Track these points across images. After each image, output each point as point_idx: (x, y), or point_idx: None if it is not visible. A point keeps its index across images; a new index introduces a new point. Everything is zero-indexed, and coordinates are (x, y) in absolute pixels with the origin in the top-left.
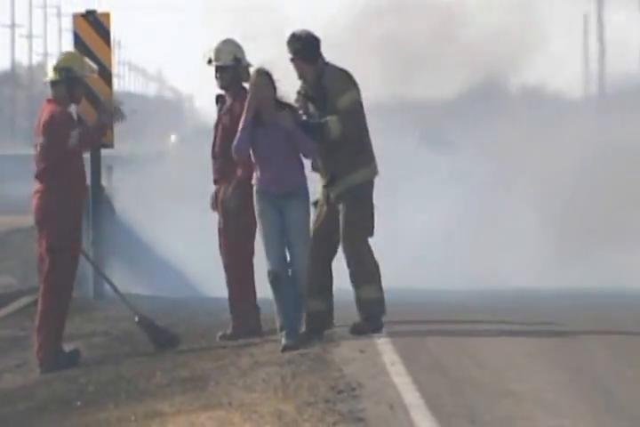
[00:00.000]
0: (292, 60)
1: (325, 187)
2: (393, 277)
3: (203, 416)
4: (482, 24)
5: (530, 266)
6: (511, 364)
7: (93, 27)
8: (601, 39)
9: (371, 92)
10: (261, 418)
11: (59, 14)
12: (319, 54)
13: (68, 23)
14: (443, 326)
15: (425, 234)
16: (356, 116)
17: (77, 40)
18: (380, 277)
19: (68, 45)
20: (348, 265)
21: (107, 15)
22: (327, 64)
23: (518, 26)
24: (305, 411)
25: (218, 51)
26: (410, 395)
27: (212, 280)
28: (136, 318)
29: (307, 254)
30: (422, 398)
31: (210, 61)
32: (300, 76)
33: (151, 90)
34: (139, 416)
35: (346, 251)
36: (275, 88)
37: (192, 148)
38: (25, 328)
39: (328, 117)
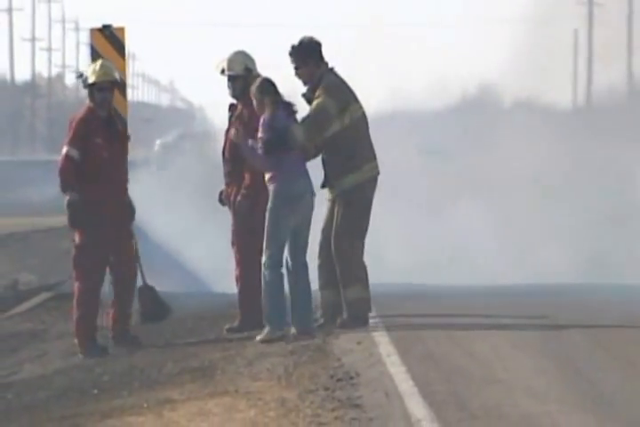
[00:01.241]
0: (296, 68)
1: (326, 187)
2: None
3: (210, 403)
4: (475, 36)
5: (529, 264)
6: (500, 354)
7: (109, 40)
8: (590, 53)
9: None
10: (265, 405)
11: (77, 29)
12: (321, 58)
13: (85, 37)
14: (437, 320)
15: (433, 237)
16: (318, 122)
17: (94, 53)
18: (366, 277)
19: (85, 58)
20: (337, 265)
21: (122, 29)
22: (330, 71)
23: (513, 39)
24: (306, 398)
25: (230, 61)
26: (404, 384)
27: (221, 276)
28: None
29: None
30: (416, 387)
31: (223, 71)
32: (305, 83)
33: (164, 100)
34: (151, 403)
35: (335, 252)
36: (278, 93)
37: (175, 152)
38: (44, 322)
39: (294, 125)
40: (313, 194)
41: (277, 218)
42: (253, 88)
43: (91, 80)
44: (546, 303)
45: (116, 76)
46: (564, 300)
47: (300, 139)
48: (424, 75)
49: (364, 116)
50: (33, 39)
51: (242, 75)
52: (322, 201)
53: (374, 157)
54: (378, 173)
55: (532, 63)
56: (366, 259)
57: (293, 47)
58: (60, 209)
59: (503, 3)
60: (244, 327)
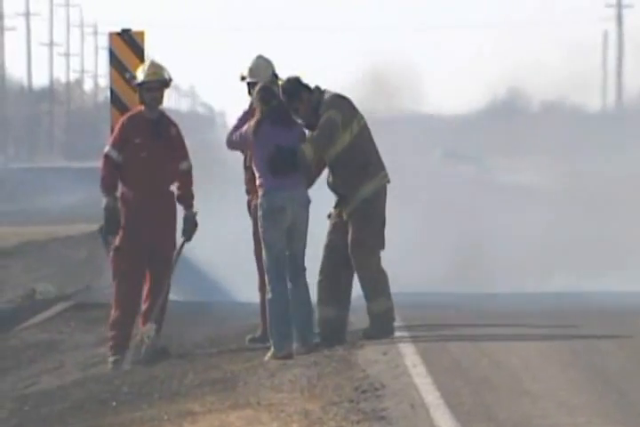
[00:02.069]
0: (295, 110)
1: (337, 206)
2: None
3: (232, 415)
4: (503, 39)
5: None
6: (528, 365)
7: (128, 45)
8: (620, 55)
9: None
10: (288, 417)
11: (95, 33)
12: (308, 88)
13: (104, 41)
14: (462, 329)
15: (452, 243)
16: (326, 134)
17: (113, 57)
18: (387, 286)
19: (103, 63)
20: (359, 278)
21: (141, 33)
22: (323, 92)
23: (541, 41)
24: (330, 410)
25: (252, 68)
26: (430, 395)
27: (243, 286)
28: None
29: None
30: (442, 398)
31: (243, 78)
32: (301, 119)
33: (184, 105)
34: (171, 415)
35: (356, 265)
36: (278, 100)
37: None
38: (62, 332)
39: (302, 144)
40: (301, 205)
41: (265, 233)
42: (254, 94)
43: (139, 80)
44: (575, 312)
45: (166, 75)
46: (593, 308)
47: (311, 156)
48: (453, 77)
49: (367, 125)
50: (51, 44)
51: (268, 81)
52: (316, 216)
53: (384, 167)
54: (389, 181)
55: (561, 65)
56: (392, 266)
57: (283, 94)
58: (78, 217)
59: (532, 5)
60: (266, 338)
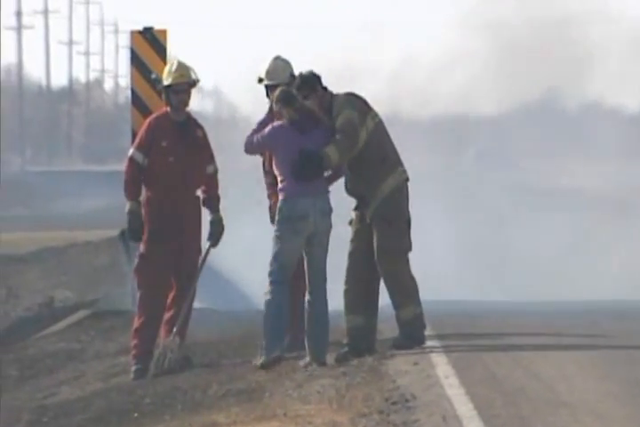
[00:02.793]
0: (305, 99)
1: (357, 208)
2: (454, 288)
3: None
4: (542, 39)
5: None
6: (564, 375)
7: (150, 43)
8: None
9: (426, 109)
10: None
11: (116, 31)
12: (317, 86)
13: (124, 40)
14: (495, 338)
15: (484, 247)
16: (349, 135)
17: (134, 57)
18: (417, 292)
19: (124, 62)
20: (386, 285)
21: (163, 32)
22: (335, 95)
23: (579, 41)
24: (359, 422)
25: (270, 70)
26: (463, 406)
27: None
28: None
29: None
30: (475, 410)
31: (261, 80)
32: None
33: (208, 106)
34: None
35: (382, 272)
36: (298, 103)
37: None
38: (81, 341)
39: (326, 148)
40: (324, 213)
41: (279, 238)
42: (274, 98)
43: (166, 82)
44: (613, 321)
45: (193, 76)
46: (628, 316)
47: (337, 159)
48: (489, 78)
49: (381, 122)
50: (70, 43)
51: (287, 83)
52: (338, 224)
53: (402, 162)
54: (408, 179)
55: (599, 66)
56: (425, 273)
57: (298, 81)
58: (98, 223)
59: (569, 4)
60: (295, 346)
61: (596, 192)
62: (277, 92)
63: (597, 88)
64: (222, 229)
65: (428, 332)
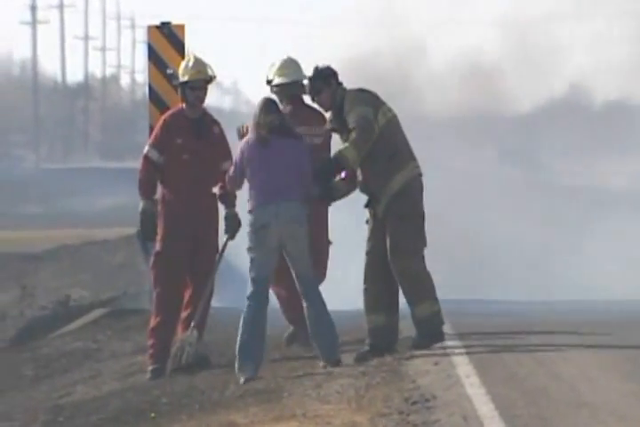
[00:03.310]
0: (318, 93)
1: (368, 205)
2: (472, 289)
3: None
4: (567, 36)
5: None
6: (586, 375)
7: (168, 39)
8: None
9: (448, 106)
10: None
11: (133, 26)
12: (331, 81)
13: (141, 35)
14: (516, 338)
15: (505, 246)
16: (365, 132)
17: (151, 52)
18: (433, 288)
19: (141, 58)
20: (400, 283)
21: (181, 27)
22: (348, 91)
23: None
24: (379, 422)
25: (279, 70)
26: (484, 406)
27: None
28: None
29: None
30: (496, 410)
31: (269, 82)
32: (328, 108)
33: (226, 102)
34: None
35: (395, 270)
36: (279, 114)
37: None
38: (97, 341)
39: (339, 148)
40: (290, 220)
41: (249, 250)
42: (257, 107)
43: (183, 78)
44: (632, 320)
45: (210, 72)
46: None
47: (355, 157)
48: (513, 74)
49: (395, 116)
50: (86, 38)
51: (297, 81)
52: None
53: (415, 158)
54: (421, 174)
55: (625, 62)
56: (441, 271)
57: (313, 73)
58: (115, 221)
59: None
60: (292, 338)
61: (623, 189)
62: (261, 100)
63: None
64: (238, 223)
65: (448, 331)
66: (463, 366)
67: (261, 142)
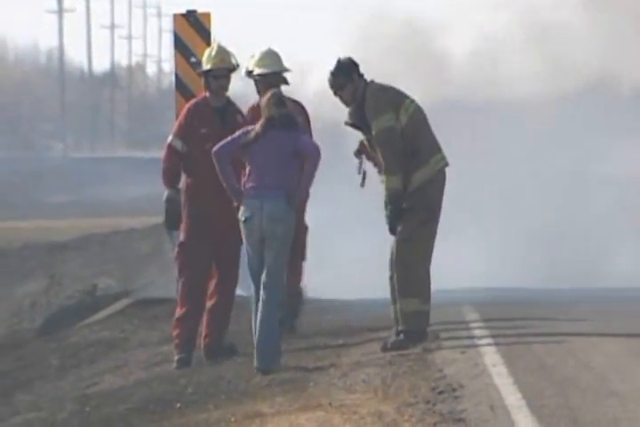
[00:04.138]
0: (340, 89)
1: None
2: (495, 276)
3: (302, 417)
4: (594, 21)
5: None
6: (616, 365)
7: (194, 27)
8: None
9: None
10: (361, 419)
11: (159, 15)
12: (354, 75)
13: (168, 23)
14: (544, 327)
15: (530, 234)
16: (389, 146)
17: (177, 40)
18: (428, 290)
19: (167, 46)
20: (395, 273)
21: (207, 15)
22: (369, 84)
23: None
24: (405, 412)
25: (265, 58)
26: (511, 396)
27: (314, 281)
28: None
29: None
30: (524, 399)
31: (250, 73)
32: (349, 103)
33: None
34: (238, 417)
35: (395, 260)
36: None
37: None
38: (124, 330)
39: (385, 179)
40: (273, 219)
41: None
42: (265, 99)
43: (206, 67)
44: None
45: (233, 61)
46: None
47: (397, 183)
48: (543, 61)
49: (419, 109)
50: (112, 26)
51: (276, 72)
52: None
53: (440, 149)
54: (446, 165)
55: None
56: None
57: (335, 67)
58: (142, 210)
59: None
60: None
61: None
62: (269, 94)
63: None
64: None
65: (476, 319)
66: (490, 355)
67: (254, 139)
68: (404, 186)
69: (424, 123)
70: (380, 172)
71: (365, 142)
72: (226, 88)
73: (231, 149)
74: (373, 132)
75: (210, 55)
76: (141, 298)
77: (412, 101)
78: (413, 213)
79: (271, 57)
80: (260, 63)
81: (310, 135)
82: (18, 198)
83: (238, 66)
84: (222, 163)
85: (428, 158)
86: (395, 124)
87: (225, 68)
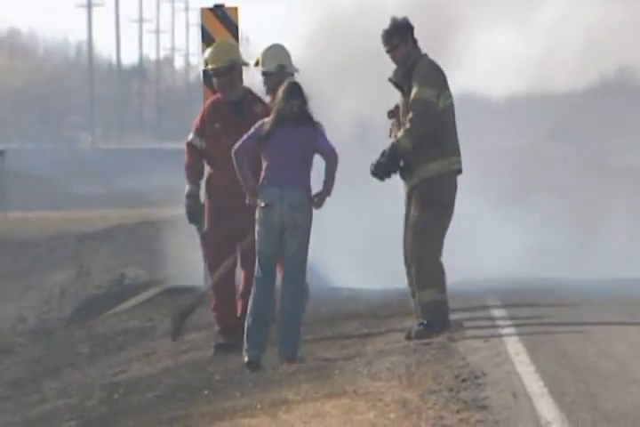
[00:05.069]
0: (394, 48)
1: (402, 177)
2: (513, 265)
3: (328, 404)
4: (614, 12)
5: None
6: (636, 353)
7: (221, 21)
8: None
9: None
10: (386, 406)
11: (186, 9)
12: (408, 37)
13: (195, 17)
14: (566, 315)
15: (551, 222)
16: (424, 113)
17: (205, 35)
18: (443, 280)
19: (195, 40)
20: (412, 266)
21: (235, 9)
22: (423, 55)
23: None
24: (429, 399)
25: (264, 57)
26: (533, 384)
27: (339, 270)
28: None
29: None
30: (546, 387)
31: (257, 64)
32: (400, 64)
33: None
34: (264, 404)
35: (409, 252)
36: (303, 100)
37: None
38: (152, 319)
39: (394, 139)
40: (293, 207)
41: (256, 227)
42: (280, 91)
43: (206, 67)
44: None
45: (230, 57)
46: None
47: (408, 145)
48: (561, 55)
49: (453, 105)
50: (140, 20)
51: (274, 72)
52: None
53: (459, 153)
54: (461, 170)
55: None
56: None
57: (391, 26)
58: (170, 200)
59: None
60: None
61: None
62: (286, 84)
63: None
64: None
65: (499, 308)
66: (513, 344)
67: (266, 135)
68: (416, 171)
69: (453, 120)
70: (393, 136)
71: (400, 106)
72: (229, 85)
73: (249, 145)
74: (412, 98)
75: (206, 55)
76: (169, 287)
77: (450, 96)
78: (430, 207)
79: (269, 56)
80: (261, 60)
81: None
82: (47, 189)
83: (238, 61)
84: (241, 162)
85: (448, 155)
86: (435, 100)
87: (221, 66)
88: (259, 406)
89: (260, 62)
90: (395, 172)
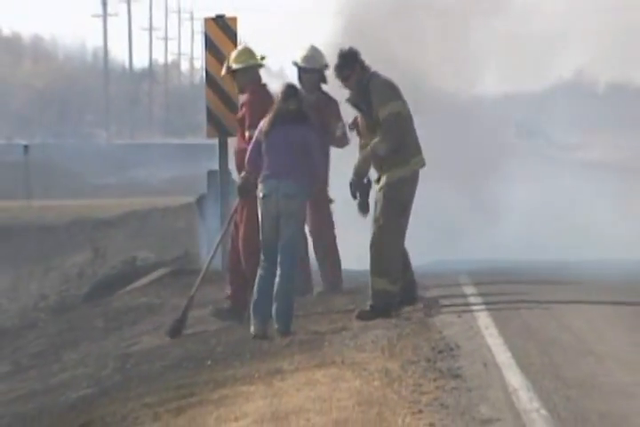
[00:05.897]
0: (345, 79)
1: (376, 182)
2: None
3: (318, 373)
4: (570, 21)
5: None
6: (594, 328)
7: (222, 29)
8: None
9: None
10: (370, 375)
11: (191, 18)
12: (364, 64)
13: (199, 26)
14: (533, 295)
15: (523, 211)
16: (395, 125)
17: (208, 42)
18: (395, 272)
19: (199, 46)
20: (369, 254)
21: (234, 19)
22: (373, 74)
23: (609, 23)
24: (409, 369)
25: (308, 56)
26: (502, 355)
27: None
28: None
29: None
30: (513, 358)
31: (296, 64)
32: (350, 90)
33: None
34: (262, 373)
35: (370, 241)
36: (298, 101)
37: None
38: (160, 296)
39: (371, 143)
40: (287, 196)
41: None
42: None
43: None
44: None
45: (228, 64)
46: None
47: (383, 152)
48: (523, 59)
49: (409, 111)
50: (150, 29)
51: (318, 69)
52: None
53: (420, 151)
54: (423, 166)
55: (628, 47)
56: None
57: (340, 60)
58: (176, 190)
59: None
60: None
61: (626, 164)
62: (283, 85)
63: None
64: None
65: (471, 286)
66: (483, 319)
67: (265, 133)
68: (383, 176)
69: (410, 125)
70: (361, 147)
71: (359, 120)
72: (239, 86)
73: (255, 155)
74: (383, 116)
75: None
76: (176, 268)
77: (405, 102)
78: (391, 206)
79: (313, 55)
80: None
81: (343, 126)
82: (67, 180)
83: (251, 64)
84: (252, 168)
85: (409, 158)
86: (402, 110)
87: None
88: (256, 375)
89: (306, 60)
90: (367, 199)
